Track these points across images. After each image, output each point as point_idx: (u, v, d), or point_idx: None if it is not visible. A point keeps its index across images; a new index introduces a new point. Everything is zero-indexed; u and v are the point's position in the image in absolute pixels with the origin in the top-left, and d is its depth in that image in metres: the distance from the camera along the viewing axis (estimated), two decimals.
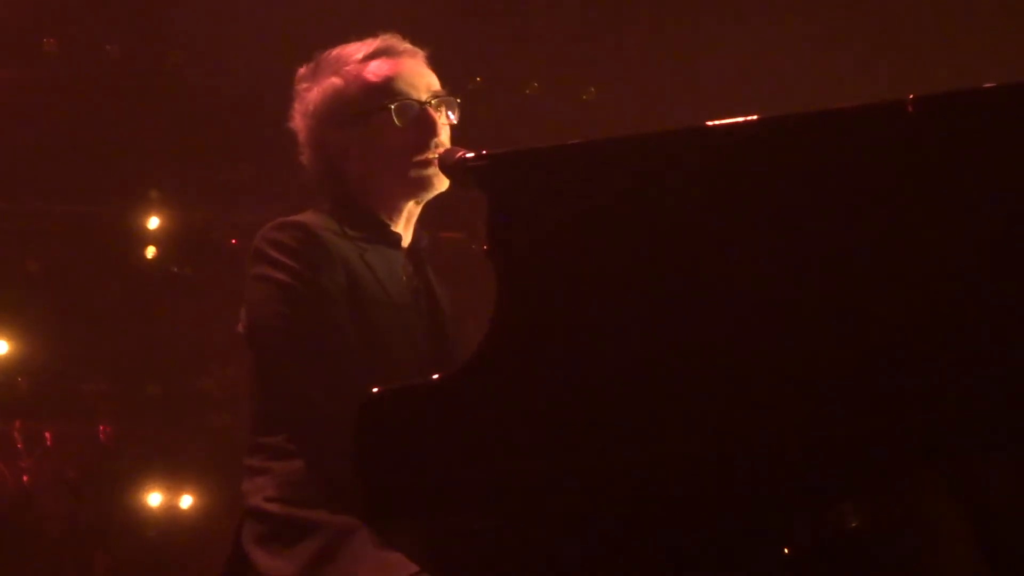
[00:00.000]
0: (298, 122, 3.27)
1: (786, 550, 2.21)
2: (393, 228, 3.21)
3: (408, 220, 3.24)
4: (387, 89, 3.17)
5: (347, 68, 3.21)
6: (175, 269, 7.72)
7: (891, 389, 2.04)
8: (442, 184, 3.17)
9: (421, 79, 3.20)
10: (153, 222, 7.59)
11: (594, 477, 2.13)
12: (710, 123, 2.17)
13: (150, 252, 7.64)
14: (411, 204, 3.22)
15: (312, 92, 3.24)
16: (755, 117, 2.16)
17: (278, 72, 7.02)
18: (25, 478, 7.43)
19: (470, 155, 3.01)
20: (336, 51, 3.25)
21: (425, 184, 3.17)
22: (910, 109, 2.07)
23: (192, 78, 7.13)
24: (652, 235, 2.16)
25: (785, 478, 2.15)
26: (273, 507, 2.95)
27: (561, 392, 2.15)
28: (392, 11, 5.83)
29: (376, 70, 3.19)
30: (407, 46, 3.25)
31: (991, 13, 6.50)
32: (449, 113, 3.20)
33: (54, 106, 7.08)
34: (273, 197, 7.25)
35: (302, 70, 3.29)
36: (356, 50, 3.23)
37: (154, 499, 7.53)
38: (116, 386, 7.66)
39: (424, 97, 3.16)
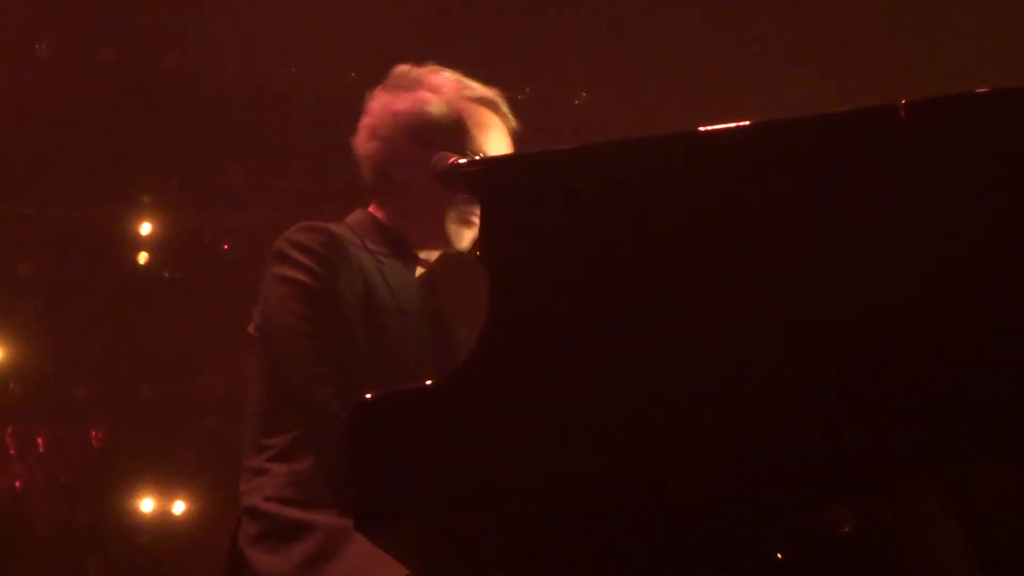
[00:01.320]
0: (375, 116, 3.29)
1: (779, 555, 2.21)
2: (413, 249, 3.24)
3: (428, 253, 3.28)
4: (474, 137, 3.21)
5: (450, 96, 3.25)
6: (167, 274, 7.73)
7: (886, 392, 2.04)
8: (465, 244, 3.23)
9: (501, 147, 3.25)
10: (145, 227, 7.60)
11: (585, 482, 2.13)
12: (703, 128, 2.17)
13: (142, 257, 7.64)
14: (430, 249, 3.27)
15: (406, 95, 3.27)
16: (748, 122, 2.16)
17: (271, 77, 7.03)
18: (18, 483, 7.43)
19: (462, 160, 3.03)
20: (447, 73, 3.30)
21: (452, 239, 3.22)
22: (902, 114, 2.08)
23: (185, 83, 7.13)
24: (645, 240, 2.16)
25: (778, 481, 2.15)
26: (270, 506, 2.97)
27: (554, 397, 2.15)
28: (384, 17, 5.85)
29: (475, 114, 3.24)
30: (507, 111, 3.30)
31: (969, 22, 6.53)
32: None
33: (46, 110, 7.08)
34: (266, 202, 7.27)
35: (404, 68, 3.32)
36: (466, 85, 3.29)
37: (147, 504, 7.53)
38: (109, 390, 7.66)
39: None
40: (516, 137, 3.32)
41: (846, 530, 2.21)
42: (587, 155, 2.25)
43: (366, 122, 3.30)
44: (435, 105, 3.24)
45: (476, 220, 3.18)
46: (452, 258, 3.29)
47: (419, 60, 3.32)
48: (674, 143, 2.21)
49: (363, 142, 3.30)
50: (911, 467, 2.12)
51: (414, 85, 3.28)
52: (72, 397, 7.62)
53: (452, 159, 3.03)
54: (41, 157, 7.11)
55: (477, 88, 3.29)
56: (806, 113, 2.15)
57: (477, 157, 3.18)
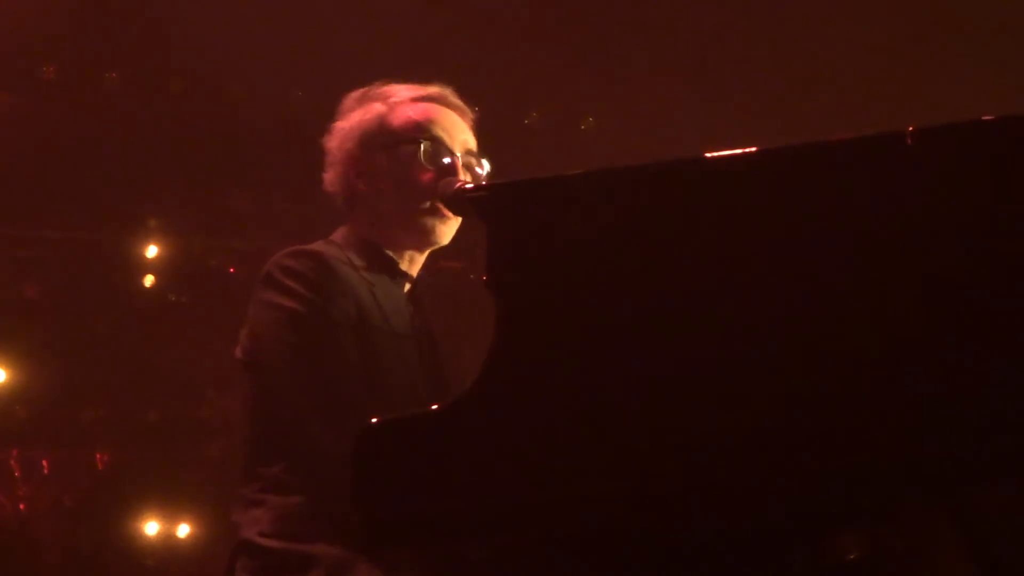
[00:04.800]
0: (333, 140, 3.30)
1: None
2: (400, 266, 3.22)
3: (411, 262, 3.26)
4: (425, 128, 3.23)
5: (394, 100, 3.29)
6: (173, 297, 7.73)
7: (890, 419, 2.05)
8: (444, 238, 3.22)
9: (459, 134, 3.26)
10: (151, 250, 7.60)
11: (590, 507, 2.13)
12: (709, 154, 2.18)
13: (148, 280, 7.64)
14: (413, 250, 3.24)
15: (355, 113, 3.30)
16: (754, 149, 2.17)
17: (278, 101, 7.05)
18: (22, 506, 7.42)
19: (469, 186, 3.03)
20: (389, 85, 3.33)
21: (428, 233, 3.20)
22: (909, 141, 2.08)
23: (191, 106, 7.14)
24: (650, 265, 2.17)
25: (784, 508, 2.15)
26: (269, 542, 2.93)
27: (559, 421, 2.15)
28: (390, 41, 5.86)
29: (421, 109, 3.26)
30: (458, 102, 3.32)
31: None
32: (478, 170, 3.25)
33: (53, 133, 7.09)
34: (271, 226, 7.27)
35: (353, 94, 3.35)
36: (409, 89, 3.32)
37: (151, 527, 7.52)
38: (114, 414, 7.65)
39: (457, 150, 3.20)
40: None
41: (851, 557, 2.21)
42: (593, 180, 2.26)
43: (329, 156, 3.32)
44: (383, 112, 3.27)
45: (447, 213, 3.17)
46: (454, 282, 3.28)
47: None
48: (680, 169, 2.22)
49: (330, 176, 3.31)
50: (916, 494, 2.12)
51: (364, 101, 3.31)
52: (77, 420, 7.61)
53: (459, 184, 3.03)
54: (47, 180, 7.12)
55: (424, 88, 3.31)
56: (816, 140, 2.17)
57: (483, 182, 3.18)
